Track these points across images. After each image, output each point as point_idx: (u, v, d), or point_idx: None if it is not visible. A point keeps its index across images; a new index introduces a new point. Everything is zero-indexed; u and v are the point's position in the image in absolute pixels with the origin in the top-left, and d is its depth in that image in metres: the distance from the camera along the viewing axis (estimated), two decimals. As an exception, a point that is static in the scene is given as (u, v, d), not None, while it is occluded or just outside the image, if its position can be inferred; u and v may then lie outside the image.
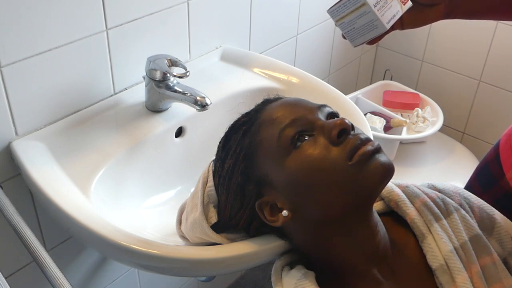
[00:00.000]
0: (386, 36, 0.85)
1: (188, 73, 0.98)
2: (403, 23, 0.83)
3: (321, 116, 0.71)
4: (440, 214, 0.75)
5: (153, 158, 1.01)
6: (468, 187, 1.03)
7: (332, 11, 0.78)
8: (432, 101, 1.77)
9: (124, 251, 0.77)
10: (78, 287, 1.20)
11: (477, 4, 0.86)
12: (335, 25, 0.79)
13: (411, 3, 0.79)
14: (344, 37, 0.81)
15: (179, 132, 1.07)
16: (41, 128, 0.96)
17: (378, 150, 0.67)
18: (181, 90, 0.99)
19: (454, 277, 0.70)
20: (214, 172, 0.77)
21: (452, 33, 1.77)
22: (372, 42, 0.81)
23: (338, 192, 0.66)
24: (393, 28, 0.81)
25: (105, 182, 0.90)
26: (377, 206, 0.79)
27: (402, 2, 0.78)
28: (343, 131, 0.67)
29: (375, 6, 0.73)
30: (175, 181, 1.07)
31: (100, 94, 1.04)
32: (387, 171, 0.67)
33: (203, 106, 0.97)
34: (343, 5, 0.75)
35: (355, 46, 0.80)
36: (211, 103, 0.97)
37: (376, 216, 0.72)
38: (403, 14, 0.79)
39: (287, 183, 0.69)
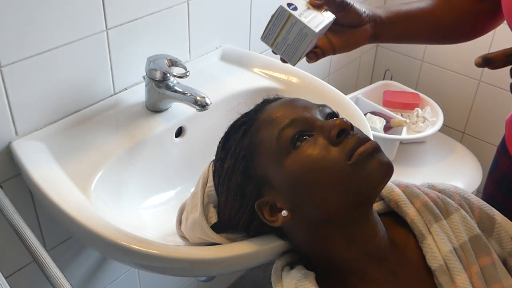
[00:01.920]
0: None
1: (188, 73, 0.98)
2: (334, 48, 0.82)
3: (321, 116, 0.71)
4: (440, 214, 0.75)
5: (153, 158, 1.01)
6: (491, 198, 0.99)
7: (265, 37, 0.80)
8: (432, 101, 1.77)
9: (124, 251, 0.77)
10: (78, 287, 1.20)
11: (401, 27, 0.86)
12: (272, 51, 0.81)
13: (333, 15, 0.79)
14: (284, 61, 0.81)
15: (179, 132, 1.06)
16: (41, 128, 0.96)
17: (377, 149, 0.67)
18: (181, 90, 0.99)
19: (454, 278, 0.70)
20: (214, 172, 0.77)
21: (452, 33, 1.76)
22: (310, 58, 0.81)
23: (337, 192, 0.66)
24: (324, 54, 0.81)
25: (105, 182, 0.90)
26: (377, 206, 0.79)
27: (325, 15, 0.79)
28: (342, 131, 0.67)
29: (300, 16, 0.76)
30: (175, 181, 1.07)
31: (100, 94, 1.04)
32: (386, 171, 0.67)
33: (203, 106, 0.97)
34: (272, 25, 0.78)
35: (294, 65, 0.81)
36: (211, 103, 0.97)
37: (376, 216, 0.72)
38: (332, 39, 0.81)
39: (287, 183, 0.69)
